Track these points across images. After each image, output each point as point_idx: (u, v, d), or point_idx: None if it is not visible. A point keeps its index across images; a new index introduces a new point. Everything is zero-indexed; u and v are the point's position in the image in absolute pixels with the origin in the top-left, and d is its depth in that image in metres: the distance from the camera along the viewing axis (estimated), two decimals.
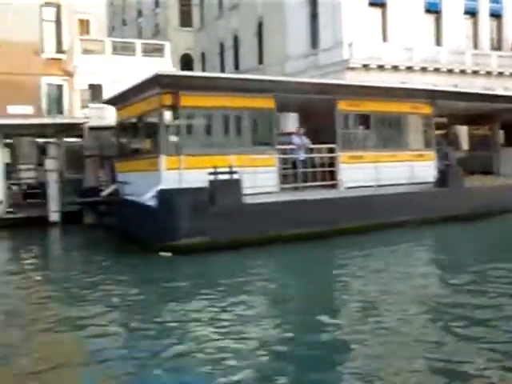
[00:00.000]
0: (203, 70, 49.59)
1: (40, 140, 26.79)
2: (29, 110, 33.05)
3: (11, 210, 23.86)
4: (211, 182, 16.43)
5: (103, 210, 22.30)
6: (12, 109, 32.59)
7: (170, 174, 16.97)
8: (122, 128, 21.90)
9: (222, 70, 47.16)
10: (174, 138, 17.40)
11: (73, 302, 11.52)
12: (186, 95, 17.21)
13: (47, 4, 35.90)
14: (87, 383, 7.49)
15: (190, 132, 18.14)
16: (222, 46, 48.81)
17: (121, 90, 20.35)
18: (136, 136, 20.65)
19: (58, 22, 36.41)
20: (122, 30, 57.32)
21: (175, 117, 17.24)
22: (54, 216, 23.78)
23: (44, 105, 34.64)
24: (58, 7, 36.33)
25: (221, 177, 16.51)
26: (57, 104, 35.11)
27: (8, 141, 25.18)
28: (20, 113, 31.69)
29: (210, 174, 16.35)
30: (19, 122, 24.45)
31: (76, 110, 34.26)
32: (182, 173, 16.89)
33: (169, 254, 15.75)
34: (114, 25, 57.14)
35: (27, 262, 17.39)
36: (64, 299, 11.81)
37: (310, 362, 7.72)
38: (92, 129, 25.26)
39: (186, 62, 50.16)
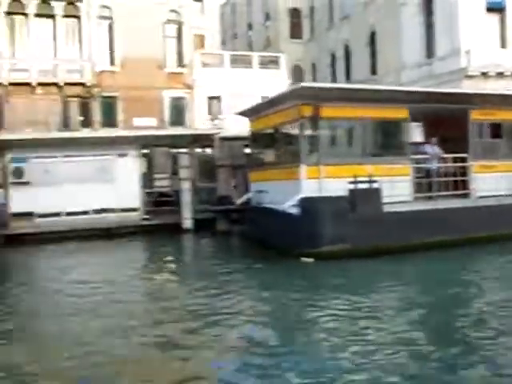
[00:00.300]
0: (314, 80, 50.00)
1: (174, 150, 28.06)
2: (153, 121, 34.67)
3: (147, 216, 25.11)
4: (351, 190, 16.83)
5: (235, 217, 23.07)
6: (138, 121, 34.27)
7: (310, 182, 17.47)
8: (256, 139, 22.61)
9: (334, 81, 47.47)
10: (313, 149, 17.91)
11: (234, 307, 11.93)
12: (324, 106, 17.69)
13: (169, 21, 37.51)
14: None
15: (328, 142, 18.62)
16: (332, 56, 49.15)
17: (256, 103, 21.12)
18: (272, 146, 21.31)
19: (179, 37, 37.94)
20: (232, 44, 58.78)
21: (315, 128, 17.80)
22: (187, 223, 24.88)
23: (167, 117, 36.17)
24: (179, 24, 37.87)
25: (361, 186, 16.91)
26: (178, 116, 36.54)
27: (144, 151, 26.50)
28: (145, 125, 33.31)
29: (351, 182, 16.77)
30: (156, 133, 25.81)
31: (197, 122, 35.59)
32: (321, 182, 17.39)
33: (310, 260, 16.21)
34: (225, 38, 58.63)
35: (171, 267, 18.21)
36: (223, 305, 12.09)
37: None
38: (223, 139, 26.27)
39: (296, 73, 50.79)
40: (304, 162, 17.75)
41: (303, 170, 17.66)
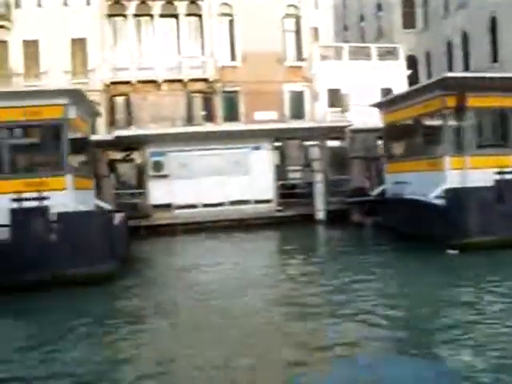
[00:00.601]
0: (428, 70, 49.32)
1: (306, 143, 28.56)
2: (273, 115, 35.21)
3: (280, 208, 25.69)
4: (498, 181, 16.65)
5: (368, 208, 23.17)
6: (258, 115, 34.94)
7: (454, 173, 17.45)
8: (392, 130, 22.64)
9: (450, 70, 46.46)
10: (457, 139, 17.87)
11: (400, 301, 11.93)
12: (470, 96, 17.57)
13: (287, 16, 37.99)
14: None
15: (471, 133, 18.45)
16: (448, 45, 48.17)
17: (392, 94, 21.18)
18: (410, 138, 21.32)
19: (297, 31, 38.33)
20: (344, 36, 58.55)
21: (459, 118, 17.74)
22: (320, 214, 25.28)
23: (287, 110, 36.66)
24: (297, 18, 38.27)
25: (507, 176, 16.71)
26: (298, 109, 36.96)
27: (277, 144, 27.11)
28: (266, 118, 33.92)
29: (497, 173, 16.61)
30: (288, 126, 26.37)
31: (317, 114, 35.88)
32: (465, 172, 17.32)
33: (455, 252, 16.15)
34: (336, 30, 58.46)
35: (316, 257, 18.41)
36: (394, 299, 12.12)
37: None
38: (353, 131, 26.48)
39: (410, 63, 50.07)
40: (448, 152, 17.76)
41: (447, 160, 17.66)
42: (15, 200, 14.67)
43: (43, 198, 14.69)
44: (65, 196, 15.84)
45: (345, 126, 26.44)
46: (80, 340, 9.95)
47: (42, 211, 14.56)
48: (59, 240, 14.38)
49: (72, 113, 16.76)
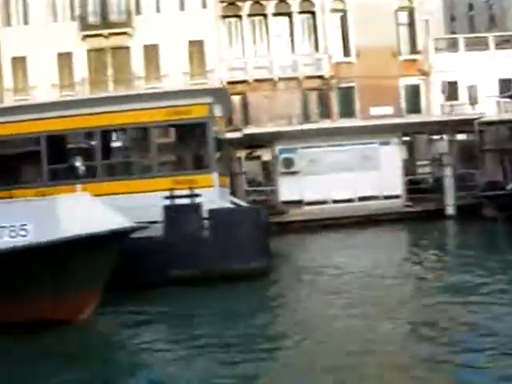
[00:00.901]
0: None
1: (434, 137, 28.15)
2: (389, 110, 34.79)
3: (409, 203, 25.46)
4: None
5: (503, 202, 22.54)
6: (374, 110, 34.64)
7: None
8: None
9: None
10: None
11: None
12: None
13: (401, 8, 37.51)
14: None
15: None
16: None
17: None
18: None
19: (411, 24, 37.76)
20: (451, 27, 57.17)
21: None
22: (450, 209, 24.86)
23: (403, 104, 36.16)
24: (411, 10, 37.71)
25: None
26: (414, 103, 36.35)
27: (405, 138, 26.89)
28: (381, 114, 33.57)
29: None
30: (416, 120, 26.13)
31: (434, 108, 35.18)
32: None
33: None
34: (444, 22, 57.15)
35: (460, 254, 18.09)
36: None
37: None
38: (483, 124, 25.88)
39: None
40: None
41: None
42: (168, 197, 14.91)
43: (195, 195, 14.93)
44: (212, 193, 16.09)
45: (475, 119, 25.88)
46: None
47: (195, 208, 14.85)
48: (212, 237, 14.61)
49: (217, 111, 17.13)
